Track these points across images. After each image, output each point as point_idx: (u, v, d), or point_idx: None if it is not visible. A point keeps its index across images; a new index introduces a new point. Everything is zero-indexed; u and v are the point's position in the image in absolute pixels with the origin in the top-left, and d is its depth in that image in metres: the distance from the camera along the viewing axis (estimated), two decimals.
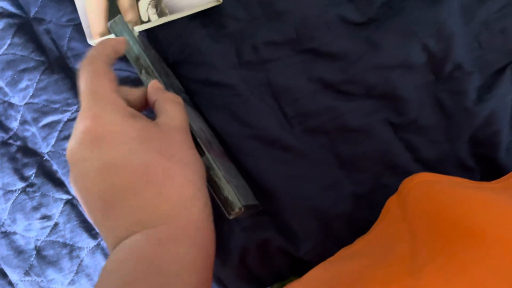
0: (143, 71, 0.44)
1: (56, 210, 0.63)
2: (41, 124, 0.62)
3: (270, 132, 0.55)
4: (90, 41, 0.58)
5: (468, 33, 0.54)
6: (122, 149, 0.35)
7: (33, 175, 0.63)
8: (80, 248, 0.62)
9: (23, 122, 0.63)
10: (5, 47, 0.62)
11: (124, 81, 0.61)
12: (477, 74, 0.54)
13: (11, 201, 0.63)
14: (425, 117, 0.54)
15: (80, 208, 0.62)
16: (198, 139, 0.42)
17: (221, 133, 0.55)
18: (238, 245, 0.56)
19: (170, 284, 0.32)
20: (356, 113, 0.55)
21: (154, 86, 0.43)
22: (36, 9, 0.63)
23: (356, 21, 0.56)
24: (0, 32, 0.63)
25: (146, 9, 0.57)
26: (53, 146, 0.62)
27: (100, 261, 0.61)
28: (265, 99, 0.56)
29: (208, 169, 0.42)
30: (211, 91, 0.56)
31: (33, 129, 0.63)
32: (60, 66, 0.62)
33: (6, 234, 0.63)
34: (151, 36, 0.60)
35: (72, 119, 0.62)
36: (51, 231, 0.63)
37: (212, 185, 0.42)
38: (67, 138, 0.62)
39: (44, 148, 0.63)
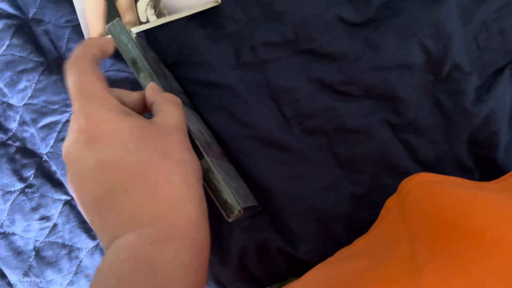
0: (141, 74, 0.44)
1: (55, 211, 0.63)
2: (40, 125, 0.62)
3: (269, 132, 0.55)
4: None
5: (467, 34, 0.54)
6: (116, 147, 0.35)
7: (32, 176, 0.63)
8: (79, 249, 0.62)
9: (22, 123, 0.63)
10: (4, 48, 0.62)
11: (122, 82, 0.61)
12: (476, 75, 0.54)
13: (10, 202, 0.63)
14: (424, 117, 0.54)
15: (79, 209, 0.62)
16: (197, 142, 0.42)
17: (220, 134, 0.55)
18: (237, 245, 0.56)
19: (164, 283, 0.32)
20: (355, 114, 0.55)
21: (152, 88, 0.42)
22: (35, 10, 0.63)
23: (354, 22, 0.56)
24: None
25: (144, 10, 0.57)
26: (52, 147, 0.62)
27: (99, 261, 0.61)
28: (264, 100, 0.56)
29: (207, 172, 0.42)
30: (210, 92, 0.56)
31: (32, 130, 0.63)
32: (58, 67, 0.62)
33: (5, 235, 0.63)
34: (150, 36, 0.60)
35: None
36: (50, 231, 0.63)
37: (211, 187, 0.42)
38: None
39: (43, 149, 0.63)
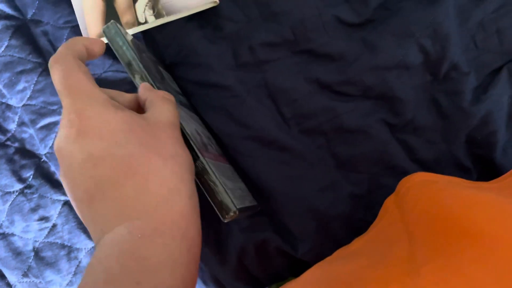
0: (136, 76, 0.44)
1: (54, 211, 0.63)
2: (38, 125, 0.62)
3: (268, 132, 0.55)
4: None
5: (465, 34, 0.54)
6: (105, 140, 0.34)
7: (31, 176, 0.63)
8: (78, 249, 0.62)
9: (21, 123, 0.63)
10: (2, 49, 0.62)
11: (121, 83, 0.61)
12: (474, 75, 0.54)
13: (9, 202, 0.63)
14: (422, 117, 0.54)
15: None
16: (192, 143, 0.42)
17: (218, 134, 0.55)
18: (236, 245, 0.56)
19: (154, 277, 0.32)
20: (353, 114, 0.55)
21: (145, 87, 0.42)
22: (33, 11, 0.63)
23: (352, 22, 0.56)
24: None
25: (143, 11, 0.57)
26: (50, 147, 0.62)
27: None
28: (263, 100, 0.56)
29: (203, 173, 0.42)
30: (208, 92, 0.56)
31: (31, 130, 0.63)
32: None
33: (4, 236, 0.63)
34: (148, 37, 0.60)
35: None
36: (49, 232, 0.63)
37: (206, 188, 0.42)
38: None
39: (42, 150, 0.63)
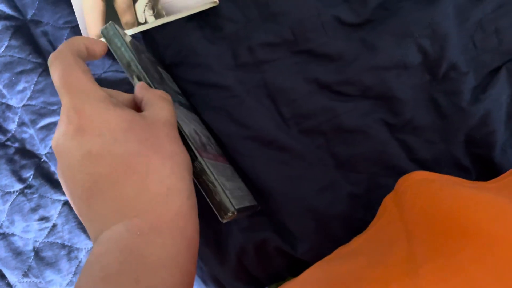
0: (134, 77, 0.44)
1: (54, 211, 0.63)
2: (38, 126, 0.62)
3: (267, 133, 0.55)
4: None
5: (463, 34, 0.54)
6: (104, 137, 0.34)
7: (31, 176, 0.63)
8: (78, 249, 0.62)
9: (21, 124, 0.64)
10: (2, 49, 0.62)
11: (121, 83, 0.61)
12: (472, 74, 0.54)
13: (9, 202, 0.63)
14: (421, 117, 0.54)
15: None
16: (190, 143, 0.42)
17: (218, 134, 0.55)
18: (236, 245, 0.56)
19: (151, 275, 0.32)
20: (353, 114, 0.55)
21: (141, 86, 0.42)
22: (33, 11, 0.63)
23: (351, 22, 0.56)
24: None
25: (143, 11, 0.57)
26: (50, 147, 0.62)
27: None
28: (262, 100, 0.56)
29: (201, 174, 0.42)
30: (208, 93, 0.56)
31: (31, 131, 0.63)
32: None
33: (4, 236, 0.63)
34: (148, 37, 0.60)
35: None
36: (49, 232, 0.63)
37: (205, 189, 0.42)
38: None
39: (42, 150, 0.63)
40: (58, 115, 0.62)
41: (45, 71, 0.62)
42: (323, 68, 0.55)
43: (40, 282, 0.63)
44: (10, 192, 0.63)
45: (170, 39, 0.58)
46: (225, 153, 0.56)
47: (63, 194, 0.63)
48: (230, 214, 0.41)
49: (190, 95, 0.57)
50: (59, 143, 0.35)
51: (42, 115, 0.62)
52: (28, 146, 0.64)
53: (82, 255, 0.62)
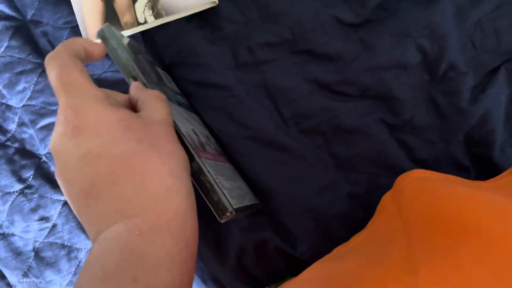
0: (131, 78, 0.44)
1: (54, 211, 0.63)
2: (38, 126, 0.62)
3: (267, 132, 0.55)
4: None
5: (462, 34, 0.54)
6: (103, 137, 0.34)
7: (31, 177, 0.63)
8: (78, 249, 0.62)
9: (21, 124, 0.64)
10: (2, 49, 0.62)
11: (121, 83, 0.61)
12: (472, 74, 0.54)
13: (9, 203, 0.63)
14: (420, 117, 0.54)
15: None
16: (187, 144, 0.42)
17: (217, 134, 0.56)
18: (235, 245, 0.56)
19: (151, 274, 0.32)
20: (352, 114, 0.55)
21: (136, 86, 0.42)
22: (33, 11, 0.63)
23: (351, 22, 0.56)
24: None
25: (142, 11, 0.57)
26: None
27: None
28: (262, 100, 0.56)
29: (199, 174, 0.42)
30: (208, 93, 0.56)
31: (31, 131, 0.63)
32: None
33: (4, 236, 0.63)
34: (148, 37, 0.60)
35: None
36: (49, 232, 0.63)
37: (203, 189, 0.42)
38: None
39: (42, 150, 0.63)
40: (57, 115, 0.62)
41: (45, 72, 0.61)
42: (322, 68, 0.56)
43: (40, 282, 0.63)
44: (10, 192, 0.63)
45: (170, 39, 0.58)
46: (225, 153, 0.56)
47: (63, 194, 0.63)
48: (228, 214, 0.41)
49: (190, 95, 0.57)
50: (57, 144, 0.35)
51: (42, 115, 0.62)
52: (28, 146, 0.64)
53: (82, 255, 0.62)
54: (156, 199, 0.35)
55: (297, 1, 0.56)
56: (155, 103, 0.40)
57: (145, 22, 0.57)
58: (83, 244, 0.62)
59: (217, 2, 0.56)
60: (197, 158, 0.42)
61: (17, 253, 0.63)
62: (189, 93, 0.57)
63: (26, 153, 0.64)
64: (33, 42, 0.63)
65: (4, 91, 0.63)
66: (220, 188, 0.42)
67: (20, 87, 0.62)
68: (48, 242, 0.63)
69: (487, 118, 0.52)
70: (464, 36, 0.54)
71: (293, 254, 0.55)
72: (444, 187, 0.38)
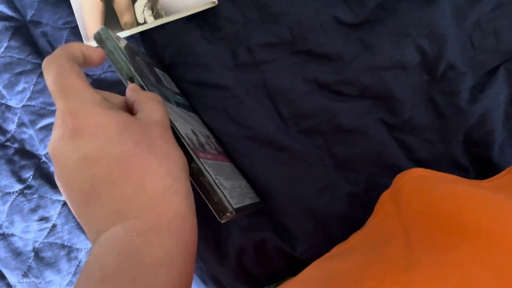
0: (128, 80, 0.44)
1: (54, 211, 0.63)
2: (38, 126, 0.62)
3: (266, 132, 0.55)
4: (87, 43, 0.58)
5: (461, 34, 0.54)
6: (101, 140, 0.34)
7: (31, 177, 0.63)
8: (78, 250, 0.62)
9: (21, 124, 0.64)
10: (2, 50, 0.62)
11: (120, 83, 0.61)
12: (471, 74, 0.54)
13: (9, 203, 0.63)
14: (419, 117, 0.54)
15: None
16: (186, 145, 0.42)
17: (217, 134, 0.56)
18: (235, 245, 0.56)
19: (150, 275, 0.32)
20: (351, 114, 0.55)
21: (132, 88, 0.42)
22: (33, 12, 0.63)
23: (350, 22, 0.56)
24: None
25: (142, 11, 0.57)
26: None
27: None
28: (261, 100, 0.56)
29: (199, 175, 0.42)
30: (207, 93, 0.56)
31: (31, 131, 0.63)
32: None
33: (4, 236, 0.64)
34: (147, 38, 0.60)
35: None
36: (49, 232, 0.63)
37: (202, 189, 0.42)
38: None
39: (42, 150, 0.63)
40: None
41: None
42: (322, 68, 0.56)
43: (40, 282, 0.63)
44: (10, 193, 0.63)
45: (170, 40, 0.58)
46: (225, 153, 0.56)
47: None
48: (228, 214, 0.41)
49: (190, 95, 0.57)
50: (55, 147, 0.35)
51: (41, 115, 0.62)
52: (27, 147, 0.64)
53: (82, 256, 0.62)
54: (155, 199, 0.35)
55: (296, 1, 0.56)
56: (151, 105, 0.40)
57: (145, 22, 0.57)
58: (83, 244, 0.62)
59: (217, 2, 0.56)
60: (196, 159, 0.42)
61: (17, 253, 0.63)
62: (188, 93, 0.57)
63: (25, 154, 0.64)
64: (33, 43, 0.63)
65: (4, 92, 0.63)
66: (219, 188, 0.42)
67: (19, 87, 0.62)
68: (48, 242, 0.63)
69: (486, 118, 0.52)
70: (463, 36, 0.54)
71: (293, 254, 0.55)
72: (443, 186, 0.38)
